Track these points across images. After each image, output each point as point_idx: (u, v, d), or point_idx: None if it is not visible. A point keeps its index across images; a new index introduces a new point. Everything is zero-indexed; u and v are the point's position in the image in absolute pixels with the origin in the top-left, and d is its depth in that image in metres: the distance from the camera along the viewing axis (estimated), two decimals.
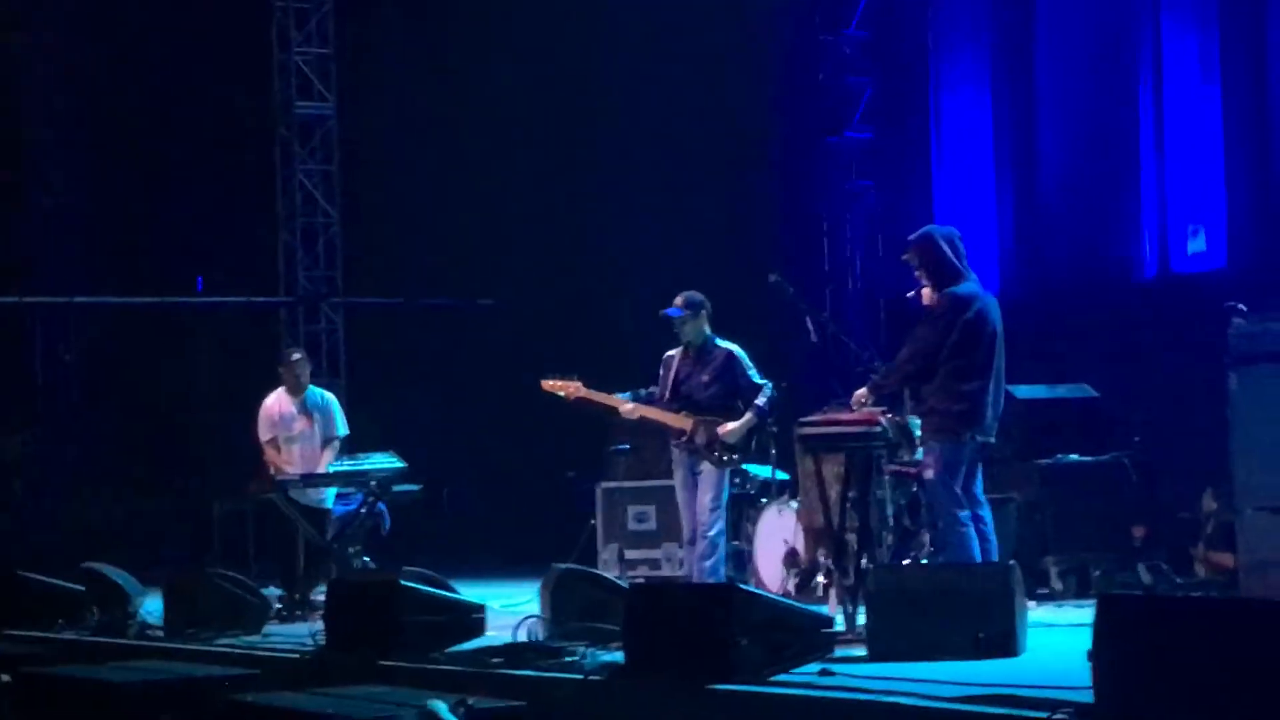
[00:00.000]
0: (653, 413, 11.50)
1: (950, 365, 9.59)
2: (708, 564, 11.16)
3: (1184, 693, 5.92)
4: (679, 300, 11.42)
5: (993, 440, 9.84)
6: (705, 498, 11.25)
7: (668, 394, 11.50)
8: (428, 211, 19.18)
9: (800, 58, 17.40)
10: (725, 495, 11.36)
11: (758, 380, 11.36)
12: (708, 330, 11.45)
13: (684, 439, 11.34)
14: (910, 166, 16.59)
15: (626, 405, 11.54)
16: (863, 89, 17.05)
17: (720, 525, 11.28)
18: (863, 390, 9.87)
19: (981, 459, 9.85)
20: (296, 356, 13.40)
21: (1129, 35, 14.62)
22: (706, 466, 11.27)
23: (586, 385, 11.62)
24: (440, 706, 6.46)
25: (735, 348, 11.45)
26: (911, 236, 10.01)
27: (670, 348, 11.59)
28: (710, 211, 17.49)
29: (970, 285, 9.79)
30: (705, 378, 11.38)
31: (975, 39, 16.21)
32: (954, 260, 9.77)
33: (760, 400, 11.27)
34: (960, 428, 9.59)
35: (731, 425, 11.23)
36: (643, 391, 11.71)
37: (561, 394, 11.66)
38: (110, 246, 19.38)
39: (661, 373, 11.58)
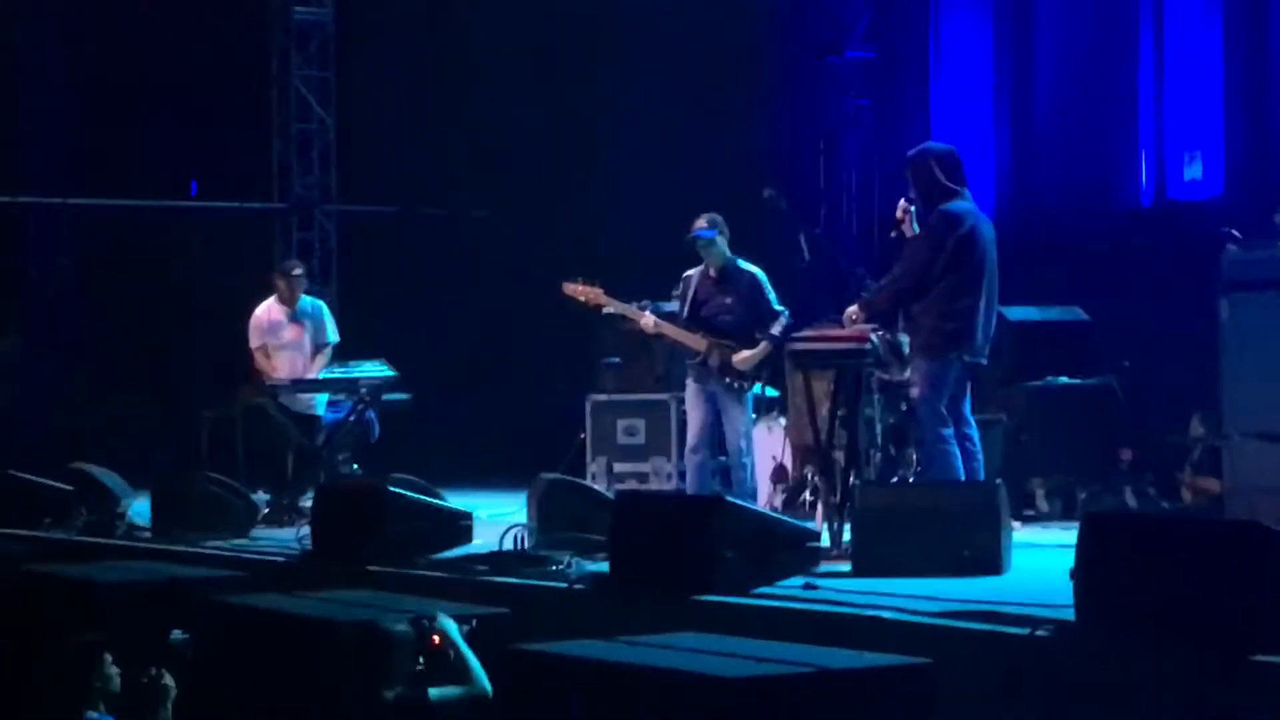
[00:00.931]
0: (671, 330, 11.40)
1: (942, 283, 9.57)
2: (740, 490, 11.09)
3: (1163, 612, 5.96)
4: (703, 221, 11.24)
5: (983, 361, 9.83)
6: (735, 426, 11.18)
7: (686, 313, 11.40)
8: (424, 121, 19.07)
9: None
10: (750, 419, 11.32)
11: (777, 307, 11.27)
12: (728, 252, 11.37)
13: (698, 359, 11.30)
14: (908, 87, 16.49)
15: (647, 319, 11.42)
16: (863, 8, 16.95)
17: (750, 457, 11.23)
18: (854, 307, 9.82)
19: (970, 379, 9.86)
20: (298, 271, 13.36)
21: None
22: (728, 400, 11.23)
23: (607, 294, 11.55)
24: (451, 626, 6.42)
25: (759, 271, 11.34)
26: (910, 153, 9.99)
27: (688, 267, 11.45)
28: (708, 128, 17.40)
29: (963, 203, 9.75)
30: (729, 300, 11.27)
31: None
32: (944, 181, 9.73)
33: (776, 329, 11.10)
34: (948, 346, 9.58)
35: (747, 353, 11.12)
36: (660, 305, 11.62)
37: (582, 299, 11.54)
38: (104, 150, 19.26)
39: (681, 291, 11.46)
